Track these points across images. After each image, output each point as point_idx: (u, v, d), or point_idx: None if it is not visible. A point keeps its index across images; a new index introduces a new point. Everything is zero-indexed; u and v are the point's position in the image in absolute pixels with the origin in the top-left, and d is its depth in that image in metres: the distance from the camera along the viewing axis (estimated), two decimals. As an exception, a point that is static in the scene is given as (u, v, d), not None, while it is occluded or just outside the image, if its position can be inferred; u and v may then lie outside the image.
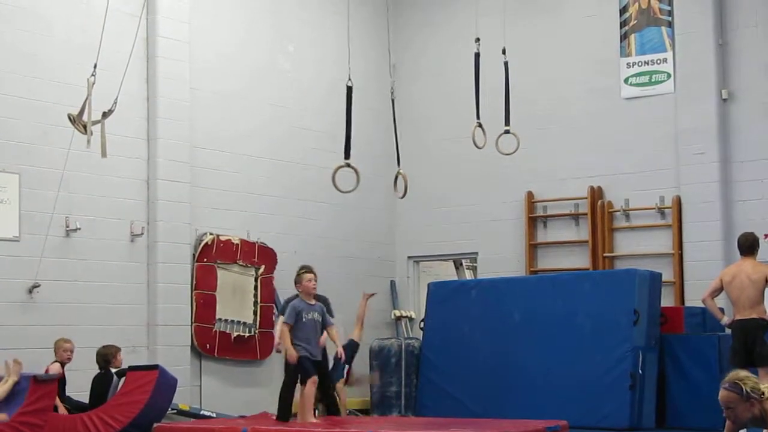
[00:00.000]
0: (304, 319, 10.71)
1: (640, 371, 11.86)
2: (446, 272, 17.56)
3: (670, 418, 12.22)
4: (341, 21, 14.67)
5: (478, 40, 11.75)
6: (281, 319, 11.04)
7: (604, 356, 12.11)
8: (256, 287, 13.91)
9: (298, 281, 10.93)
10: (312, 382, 10.64)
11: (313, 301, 10.90)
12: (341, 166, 10.67)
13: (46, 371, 10.81)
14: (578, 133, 14.79)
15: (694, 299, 12.87)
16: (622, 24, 14.56)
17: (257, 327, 13.85)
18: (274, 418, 11.10)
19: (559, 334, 12.52)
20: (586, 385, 12.14)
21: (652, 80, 14.28)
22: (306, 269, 10.95)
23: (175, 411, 12.23)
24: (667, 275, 13.61)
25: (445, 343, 13.45)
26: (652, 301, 12.25)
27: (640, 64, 14.38)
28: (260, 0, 14.58)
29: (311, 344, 10.72)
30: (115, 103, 10.67)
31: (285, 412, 10.89)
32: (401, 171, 11.11)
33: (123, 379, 11.28)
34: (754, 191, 13.44)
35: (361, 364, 13.64)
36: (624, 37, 14.54)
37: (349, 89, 10.87)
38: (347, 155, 10.69)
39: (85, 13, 12.21)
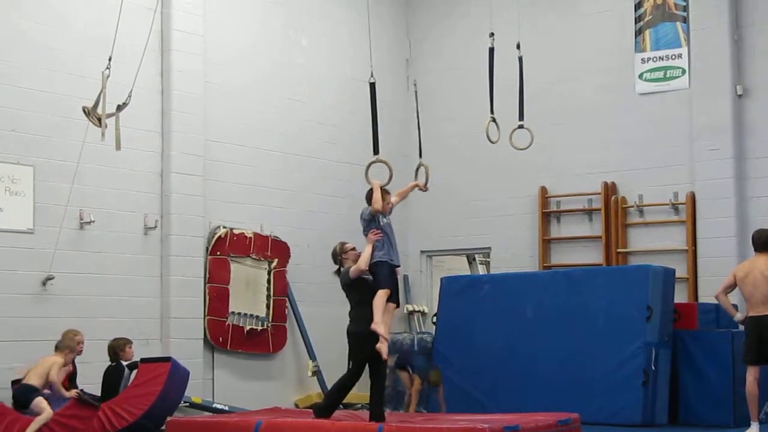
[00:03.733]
0: (381, 223, 10.25)
1: (653, 367, 11.84)
2: (459, 267, 17.54)
3: (683, 414, 12.19)
4: (355, 15, 14.71)
5: (492, 35, 11.73)
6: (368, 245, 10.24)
7: (616, 352, 12.09)
8: (269, 281, 13.94)
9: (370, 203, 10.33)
10: (384, 293, 10.03)
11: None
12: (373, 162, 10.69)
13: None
14: (592, 128, 14.76)
15: (707, 295, 12.83)
16: (637, 19, 14.52)
17: (270, 320, 13.89)
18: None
19: (571, 330, 12.50)
20: (599, 380, 12.13)
21: (667, 76, 14.24)
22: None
23: (187, 404, 12.26)
24: (681, 271, 13.57)
25: (458, 337, 13.44)
26: (665, 297, 12.23)
27: (654, 59, 14.34)
28: (275, -6, 14.62)
29: (393, 247, 10.28)
30: (130, 96, 10.70)
31: (330, 408, 10.33)
32: (423, 162, 11.06)
33: (134, 371, 11.32)
34: (769, 188, 13.43)
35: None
36: (639, 32, 14.50)
37: (372, 85, 10.88)
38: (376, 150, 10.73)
39: (100, 6, 12.24)
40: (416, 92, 11.35)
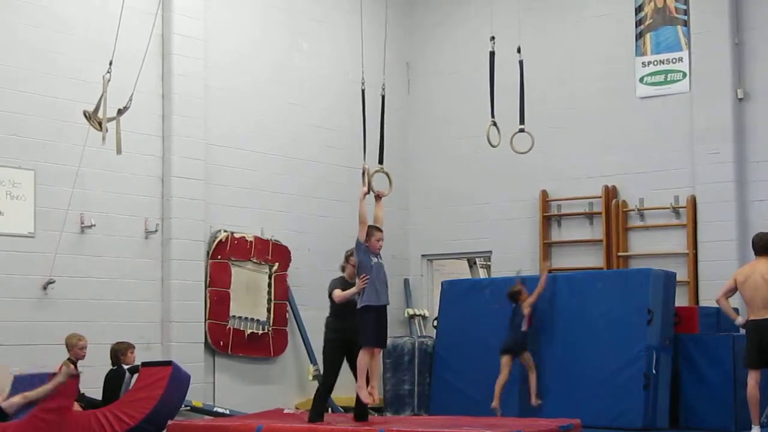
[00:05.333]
0: (372, 263, 10.03)
1: (654, 371, 11.81)
2: (460, 271, 17.53)
3: (684, 418, 12.16)
4: (355, 19, 14.67)
5: (493, 38, 11.71)
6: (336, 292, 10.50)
7: (617, 356, 12.05)
8: (269, 284, 13.95)
9: (367, 239, 10.15)
10: (367, 353, 10.05)
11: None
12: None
13: (59, 370, 10.86)
14: (593, 132, 14.77)
15: (708, 299, 12.83)
16: (638, 23, 14.53)
17: (271, 324, 13.89)
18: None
19: (572, 334, 12.47)
20: (600, 384, 12.09)
21: (668, 79, 14.24)
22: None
23: (188, 408, 12.25)
24: (682, 275, 13.57)
25: (459, 341, 13.40)
26: (666, 301, 12.19)
27: (655, 63, 14.35)
28: (275, -2, 14.63)
29: (379, 290, 10.05)
30: (131, 100, 10.73)
31: (317, 412, 10.50)
32: (384, 168, 10.85)
33: (136, 375, 11.30)
34: (769, 191, 13.43)
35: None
36: (639, 36, 14.50)
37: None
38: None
39: (101, 10, 12.26)
40: (383, 96, 11.18)
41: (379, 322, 10.15)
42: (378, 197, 10.51)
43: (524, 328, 12.33)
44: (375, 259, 10.15)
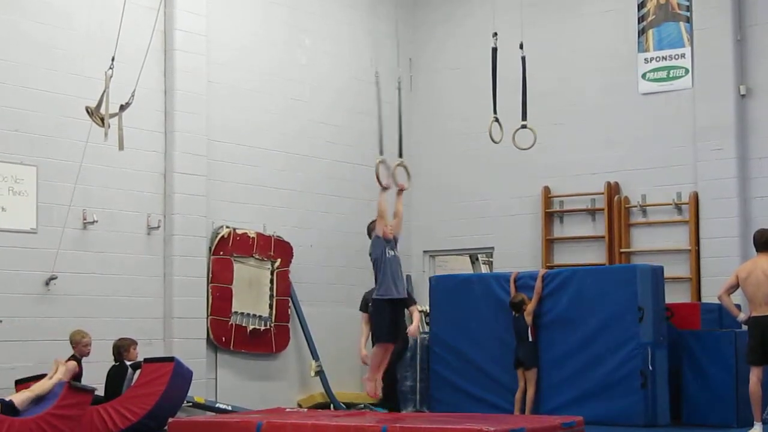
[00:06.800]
0: (387, 256, 9.86)
1: (651, 368, 11.81)
2: (462, 267, 17.53)
3: (686, 414, 12.18)
4: (357, 15, 14.70)
5: (495, 34, 11.72)
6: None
7: (613, 353, 12.05)
8: (272, 281, 13.94)
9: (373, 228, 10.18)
10: (381, 348, 10.04)
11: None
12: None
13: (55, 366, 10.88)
14: (595, 128, 14.75)
15: (710, 296, 12.82)
16: (640, 19, 14.51)
17: (273, 320, 13.89)
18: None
19: (566, 330, 12.43)
20: (598, 382, 12.09)
21: (670, 76, 14.23)
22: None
23: (190, 404, 12.26)
24: (684, 271, 13.58)
25: (453, 337, 13.36)
26: (656, 297, 12.14)
27: (657, 59, 14.33)
28: (278, -7, 14.62)
29: (396, 282, 9.89)
30: (133, 96, 10.72)
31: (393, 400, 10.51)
32: (403, 161, 10.75)
33: (138, 371, 11.32)
34: (772, 188, 13.41)
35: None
36: (642, 32, 14.49)
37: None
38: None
39: (104, 6, 12.25)
40: (400, 89, 11.15)
41: (394, 316, 10.07)
42: (400, 190, 10.38)
43: (531, 338, 12.34)
44: (391, 253, 9.97)
